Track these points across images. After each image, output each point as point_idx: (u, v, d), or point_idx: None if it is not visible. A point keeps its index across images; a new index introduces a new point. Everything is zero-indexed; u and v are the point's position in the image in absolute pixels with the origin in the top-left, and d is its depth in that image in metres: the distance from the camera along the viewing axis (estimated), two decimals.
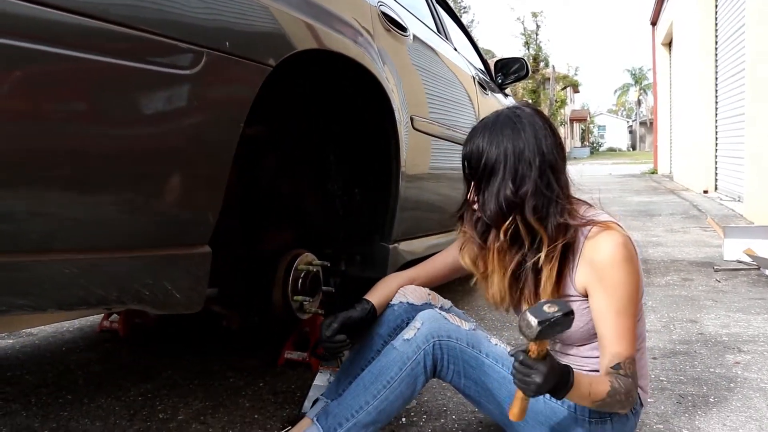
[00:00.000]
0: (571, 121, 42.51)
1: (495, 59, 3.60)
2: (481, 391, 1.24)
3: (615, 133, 58.55)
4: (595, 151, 46.40)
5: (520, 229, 1.16)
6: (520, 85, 23.79)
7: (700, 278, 3.22)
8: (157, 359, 2.00)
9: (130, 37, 0.84)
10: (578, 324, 1.19)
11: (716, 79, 7.64)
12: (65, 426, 1.51)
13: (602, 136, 58.25)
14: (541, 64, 28.25)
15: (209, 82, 0.97)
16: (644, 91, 49.25)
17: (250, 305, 1.85)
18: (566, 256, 1.18)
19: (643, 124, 46.81)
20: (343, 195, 1.80)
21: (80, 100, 0.81)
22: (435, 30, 2.53)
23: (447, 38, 2.71)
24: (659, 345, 2.09)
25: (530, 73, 3.57)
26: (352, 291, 1.58)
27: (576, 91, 41.40)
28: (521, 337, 1.00)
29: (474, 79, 2.80)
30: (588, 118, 50.94)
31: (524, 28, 28.50)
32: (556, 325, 0.97)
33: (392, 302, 1.36)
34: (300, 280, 1.80)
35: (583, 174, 13.84)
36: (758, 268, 3.33)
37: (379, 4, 1.74)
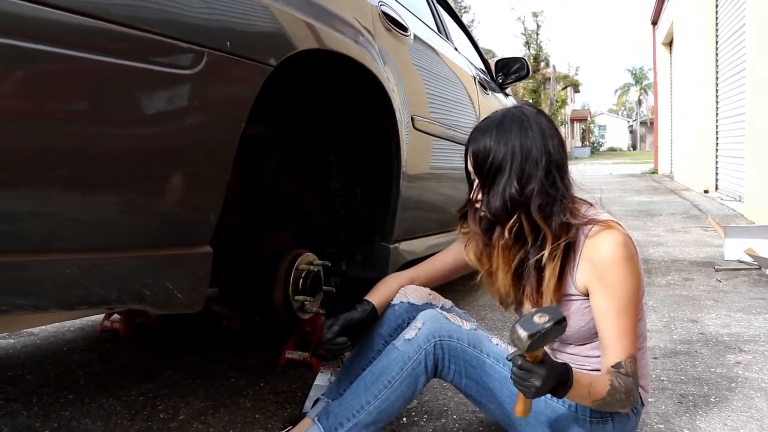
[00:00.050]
0: (572, 120, 42.48)
1: (495, 59, 3.60)
2: (482, 391, 1.24)
3: (615, 133, 58.48)
4: (595, 150, 46.34)
5: (524, 227, 1.16)
6: (520, 84, 23.76)
7: (701, 278, 3.22)
8: (158, 359, 2.00)
9: (131, 37, 0.84)
10: (579, 323, 1.19)
11: (717, 78, 7.63)
12: (66, 426, 1.51)
13: (603, 136, 58.18)
14: (542, 64, 28.22)
15: (210, 82, 0.97)
16: (645, 90, 49.24)
17: (251, 305, 1.85)
18: (567, 254, 1.18)
19: (643, 123, 46.75)
20: (344, 195, 1.80)
21: (81, 100, 0.81)
22: (436, 30, 2.53)
23: (448, 38, 2.71)
24: (660, 345, 2.09)
25: (531, 72, 3.56)
26: (353, 291, 1.58)
27: (576, 90, 41.34)
28: None
29: (475, 78, 2.80)
30: (588, 118, 50.87)
31: (525, 28, 28.48)
32: (548, 335, 0.96)
33: (393, 302, 1.36)
34: (301, 280, 1.80)
35: (585, 174, 13.84)
36: (759, 268, 3.32)
37: (380, 3, 1.74)
